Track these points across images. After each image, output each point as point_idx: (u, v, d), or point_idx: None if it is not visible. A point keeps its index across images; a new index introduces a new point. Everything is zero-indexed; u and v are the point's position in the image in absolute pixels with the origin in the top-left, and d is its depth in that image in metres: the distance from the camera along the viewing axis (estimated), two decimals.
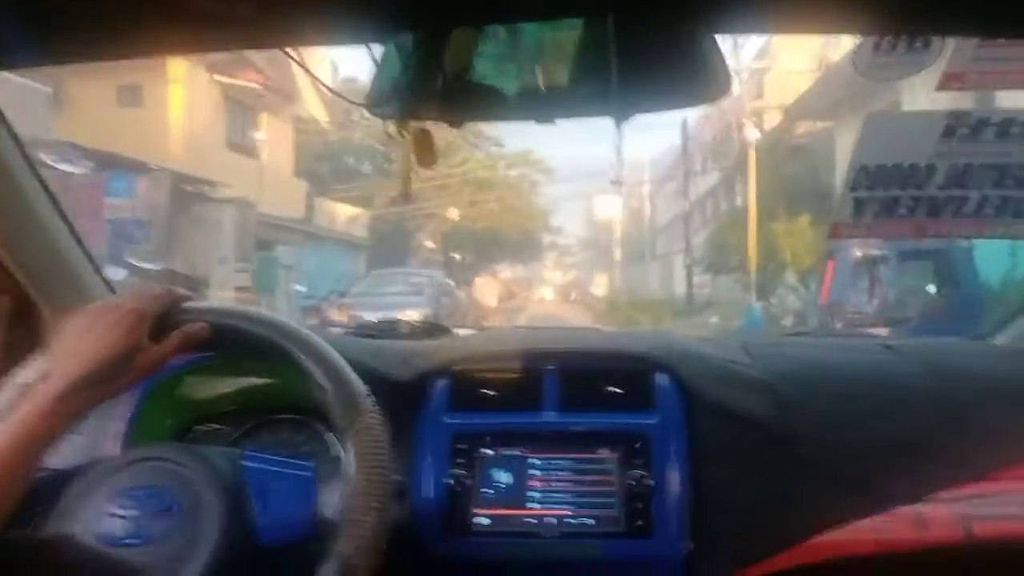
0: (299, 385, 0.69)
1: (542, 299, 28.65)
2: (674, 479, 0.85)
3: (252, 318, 0.71)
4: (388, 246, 18.37)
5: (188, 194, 10.94)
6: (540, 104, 0.71)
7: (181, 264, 9.63)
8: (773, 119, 13.81)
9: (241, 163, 12.77)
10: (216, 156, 12.00)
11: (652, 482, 0.85)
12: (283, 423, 0.95)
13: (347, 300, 10.58)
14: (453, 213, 20.43)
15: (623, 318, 15.12)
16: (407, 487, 0.84)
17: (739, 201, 15.43)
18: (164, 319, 0.69)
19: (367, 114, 0.82)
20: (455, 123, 0.80)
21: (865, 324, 6.15)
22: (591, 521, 0.85)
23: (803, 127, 12.71)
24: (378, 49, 0.72)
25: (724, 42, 0.73)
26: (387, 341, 1.08)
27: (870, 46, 0.95)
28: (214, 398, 0.95)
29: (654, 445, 0.87)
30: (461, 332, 1.20)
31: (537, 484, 0.87)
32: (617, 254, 32.56)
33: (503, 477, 0.88)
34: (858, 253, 6.61)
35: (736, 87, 14.91)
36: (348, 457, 0.64)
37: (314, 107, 14.90)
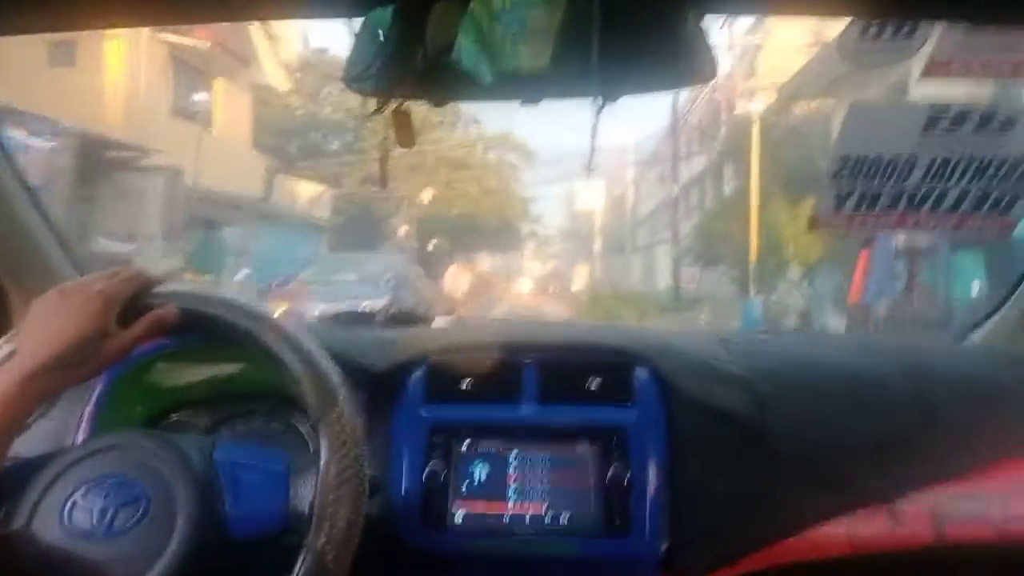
0: (273, 373, 0.69)
1: (519, 292, 28.68)
2: (652, 475, 0.86)
3: (224, 304, 0.71)
4: (358, 230, 17.94)
5: (107, 160, 9.66)
6: (524, 85, 0.72)
7: (95, 240, 8.87)
8: (767, 98, 13.02)
9: (189, 132, 11.53)
10: (158, 123, 10.85)
11: (630, 478, 0.86)
12: (257, 412, 0.95)
13: (291, 288, 9.74)
14: (426, 195, 19.78)
15: (605, 313, 14.53)
16: (383, 480, 0.84)
17: (728, 188, 14.87)
18: (133, 302, 0.68)
19: (337, 88, 0.80)
20: (436, 102, 0.80)
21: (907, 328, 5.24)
22: (568, 518, 0.86)
23: (801, 107, 12.01)
24: (356, 23, 0.72)
25: (712, 22, 0.74)
26: (363, 330, 1.08)
27: (856, 32, 0.96)
28: (186, 385, 0.94)
29: (632, 440, 0.88)
30: (439, 322, 1.20)
31: (515, 479, 0.88)
32: (597, 245, 32.70)
33: (481, 471, 0.88)
34: (900, 242, 5.55)
35: (727, 64, 14.42)
36: (322, 448, 0.64)
37: (273, 73, 14.05)
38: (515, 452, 0.89)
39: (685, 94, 15.87)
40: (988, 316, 1.14)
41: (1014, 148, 1.01)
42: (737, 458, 0.89)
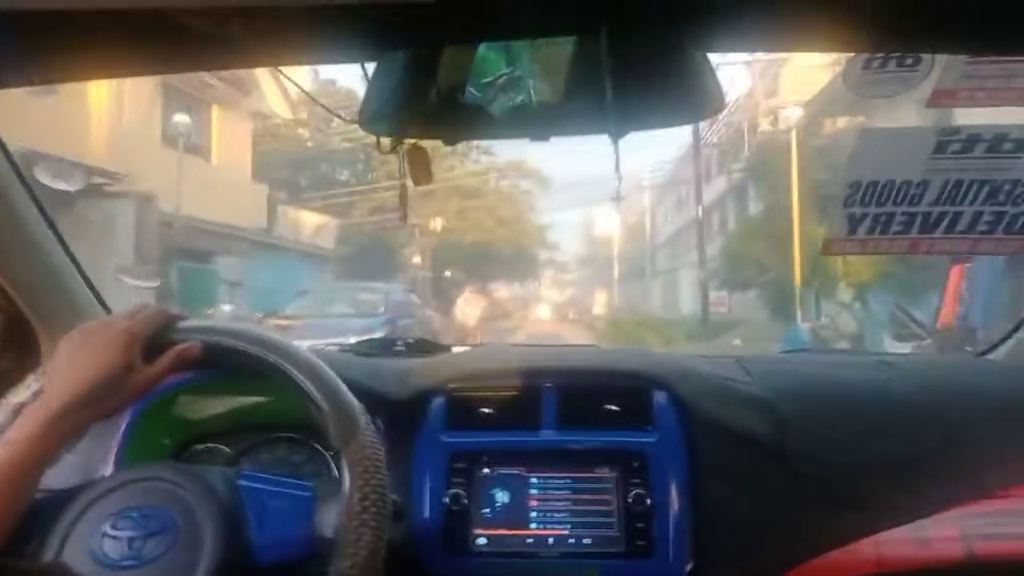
0: (295, 403, 0.73)
1: (538, 318, 28.63)
2: (674, 498, 0.89)
3: (246, 336, 0.74)
4: (370, 260, 17.98)
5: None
6: (534, 121, 0.75)
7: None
8: (789, 118, 12.58)
9: (184, 161, 11.25)
10: (147, 152, 10.40)
11: (651, 501, 0.88)
12: (280, 441, 0.99)
13: (280, 322, 8.93)
14: (436, 224, 19.76)
15: (628, 340, 14.03)
16: (406, 507, 0.87)
17: (754, 207, 14.52)
18: (157, 339, 0.72)
19: (345, 120, 0.85)
20: (449, 141, 0.85)
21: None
22: (591, 540, 0.89)
23: (830, 124, 11.61)
24: (370, 66, 0.76)
25: (716, 60, 0.78)
26: (382, 359, 1.12)
27: (860, 63, 1.01)
28: (210, 417, 0.99)
29: (653, 463, 0.91)
30: (457, 350, 1.24)
31: (536, 503, 0.91)
32: (616, 271, 32.64)
33: (502, 496, 0.91)
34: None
35: (748, 82, 14.42)
36: (344, 476, 0.67)
37: (275, 103, 13.93)
38: (536, 476, 0.92)
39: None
40: (1012, 332, 1.16)
41: None
42: (759, 479, 0.91)
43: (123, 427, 0.92)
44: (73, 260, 1.07)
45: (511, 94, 0.73)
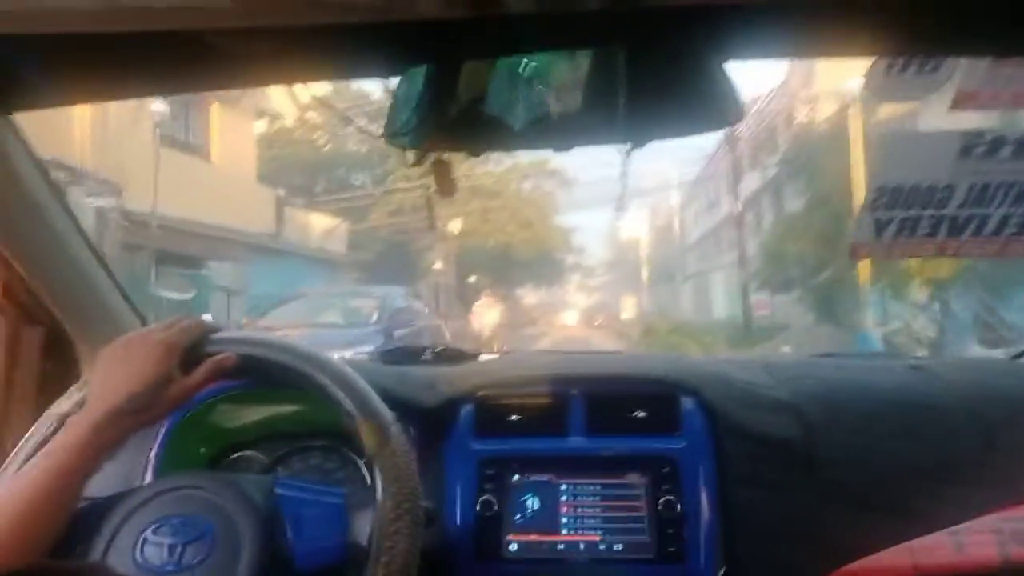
0: (327, 412, 0.76)
1: (564, 324, 28.57)
2: (704, 503, 0.92)
3: (279, 347, 0.78)
4: (390, 266, 17.93)
5: None
6: (554, 132, 0.77)
7: None
8: (828, 107, 12.23)
9: (179, 162, 10.92)
10: (135, 150, 9.85)
11: (681, 506, 0.92)
12: (313, 449, 1.04)
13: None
14: (455, 226, 19.39)
15: (663, 348, 13.18)
16: (437, 513, 0.91)
17: (794, 203, 13.46)
18: (194, 350, 0.76)
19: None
20: (472, 152, 0.88)
21: None
22: (621, 546, 0.92)
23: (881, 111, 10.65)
24: (393, 81, 0.79)
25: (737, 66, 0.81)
26: (411, 367, 1.17)
27: (882, 67, 1.04)
28: (244, 426, 1.04)
29: (682, 469, 0.94)
30: (484, 357, 1.29)
31: (566, 509, 0.95)
32: (644, 274, 32.46)
33: (532, 503, 0.95)
34: None
35: (782, 71, 14.14)
36: (377, 484, 0.71)
37: (280, 101, 13.80)
38: (566, 483, 0.96)
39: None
40: None
41: None
42: (788, 484, 0.94)
43: (160, 437, 0.97)
44: (108, 272, 1.12)
45: (531, 106, 0.75)
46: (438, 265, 20.39)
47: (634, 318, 27.68)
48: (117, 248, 9.71)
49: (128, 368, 0.73)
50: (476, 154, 0.88)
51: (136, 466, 0.95)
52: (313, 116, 17.24)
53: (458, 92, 0.77)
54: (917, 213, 1.07)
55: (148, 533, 0.70)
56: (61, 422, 0.75)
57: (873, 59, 1.05)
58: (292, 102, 14.59)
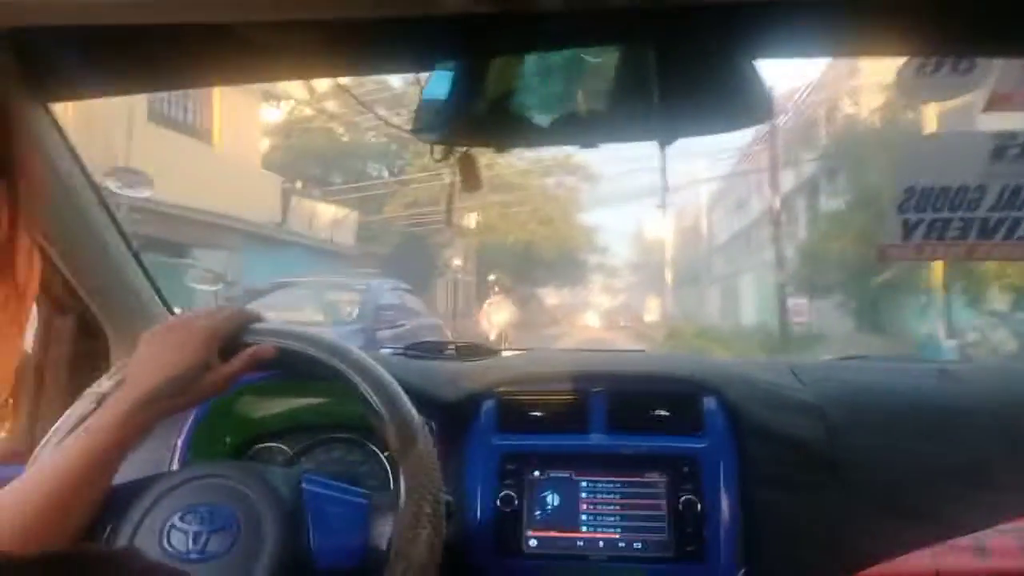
0: (352, 405, 0.79)
1: (586, 325, 28.53)
2: (724, 503, 0.95)
3: (317, 341, 0.81)
4: (406, 261, 17.58)
5: None
6: (582, 129, 0.80)
7: None
8: (875, 99, 11.73)
9: (176, 143, 10.39)
10: (132, 131, 9.07)
11: (702, 506, 0.94)
12: (337, 442, 1.07)
13: None
14: (471, 220, 19.05)
15: (690, 352, 12.33)
16: (457, 507, 0.93)
17: (834, 202, 13.00)
18: (234, 338, 0.79)
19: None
20: (499, 148, 0.92)
21: None
22: (641, 545, 0.95)
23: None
24: (423, 77, 0.82)
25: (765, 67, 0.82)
26: (435, 362, 1.21)
27: (913, 67, 1.06)
28: (270, 416, 1.08)
29: (703, 469, 0.97)
30: (507, 353, 1.33)
31: (586, 506, 0.98)
32: (668, 276, 32.31)
33: (552, 499, 0.98)
34: None
35: (823, 61, 13.83)
36: (401, 490, 0.73)
37: (291, 85, 13.50)
38: (586, 480, 0.98)
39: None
40: None
41: None
42: (810, 486, 0.96)
43: (188, 424, 1.01)
44: (140, 263, 1.17)
45: (560, 102, 0.79)
46: (456, 261, 20.13)
47: (658, 320, 27.58)
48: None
49: (170, 352, 0.76)
50: (502, 150, 0.91)
51: (163, 452, 0.98)
52: (331, 105, 17.30)
53: (486, 88, 0.80)
54: (947, 215, 1.08)
55: (175, 520, 0.72)
56: (100, 401, 0.78)
57: (904, 59, 1.07)
58: (306, 88, 14.54)
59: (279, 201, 14.22)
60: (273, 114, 16.42)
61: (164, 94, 10.57)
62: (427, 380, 1.05)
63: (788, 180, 16.86)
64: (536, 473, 1.00)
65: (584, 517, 0.97)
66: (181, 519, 0.71)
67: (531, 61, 0.79)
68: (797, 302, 13.81)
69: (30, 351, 1.11)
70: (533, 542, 0.97)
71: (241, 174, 12.39)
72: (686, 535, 0.94)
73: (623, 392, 1.06)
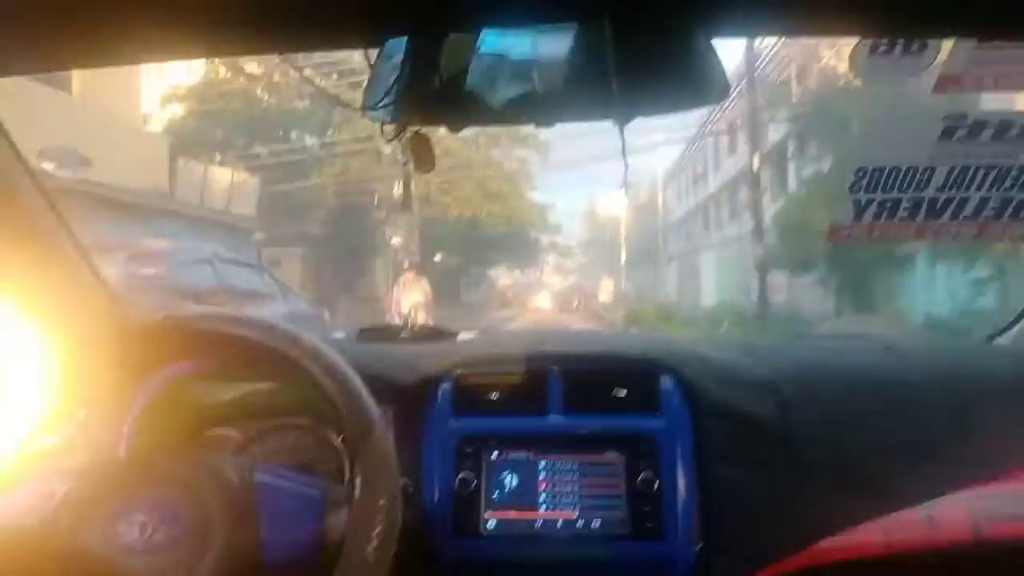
0: (305, 391, 0.82)
1: (538, 307, 28.72)
2: (681, 481, 1.02)
3: (262, 328, 0.83)
4: (341, 241, 17.20)
5: None
6: (538, 107, 0.82)
7: None
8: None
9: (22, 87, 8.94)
10: None
11: (659, 484, 1.01)
12: (289, 429, 1.09)
13: None
14: (397, 188, 17.43)
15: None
16: (415, 490, 0.99)
17: (816, 168, 11.91)
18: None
19: (352, 108, 0.94)
20: (453, 128, 0.93)
21: None
22: (599, 523, 1.02)
23: None
24: (372, 53, 0.84)
25: (721, 45, 0.85)
26: (391, 345, 1.26)
27: (866, 48, 1.14)
28: (220, 403, 1.09)
29: (660, 447, 1.03)
30: (463, 336, 1.38)
31: (545, 487, 1.04)
32: (623, 255, 32.73)
33: (511, 480, 1.04)
34: None
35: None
36: (356, 482, 0.76)
37: None
38: (544, 460, 1.05)
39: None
40: (1020, 317, 1.28)
41: None
42: (765, 462, 1.03)
43: (135, 409, 1.03)
44: (78, 246, 1.16)
45: (514, 80, 0.80)
46: (395, 240, 19.43)
47: (612, 301, 27.93)
48: None
49: None
50: (457, 129, 0.92)
51: (108, 437, 1.01)
52: (253, 67, 16.72)
53: (439, 65, 0.82)
54: (897, 195, 1.17)
55: (120, 510, 0.73)
56: None
57: (858, 40, 1.14)
58: None
59: (166, 167, 12.92)
60: (183, 76, 15.79)
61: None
62: (383, 364, 1.09)
63: (744, 150, 16.15)
64: (494, 454, 1.05)
65: (543, 497, 1.03)
66: (127, 510, 0.73)
67: (485, 37, 0.81)
68: (773, 278, 12.80)
69: None
70: (491, 523, 1.02)
71: (112, 131, 11.04)
72: (644, 513, 1.01)
73: (580, 372, 1.12)
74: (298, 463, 1.00)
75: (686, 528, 1.00)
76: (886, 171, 1.16)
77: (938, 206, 1.18)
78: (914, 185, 1.17)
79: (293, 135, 18.75)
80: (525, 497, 1.04)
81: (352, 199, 17.69)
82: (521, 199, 23.72)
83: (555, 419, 1.09)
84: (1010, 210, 1.17)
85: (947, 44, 1.14)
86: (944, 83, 1.14)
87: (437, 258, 21.18)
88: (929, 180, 1.17)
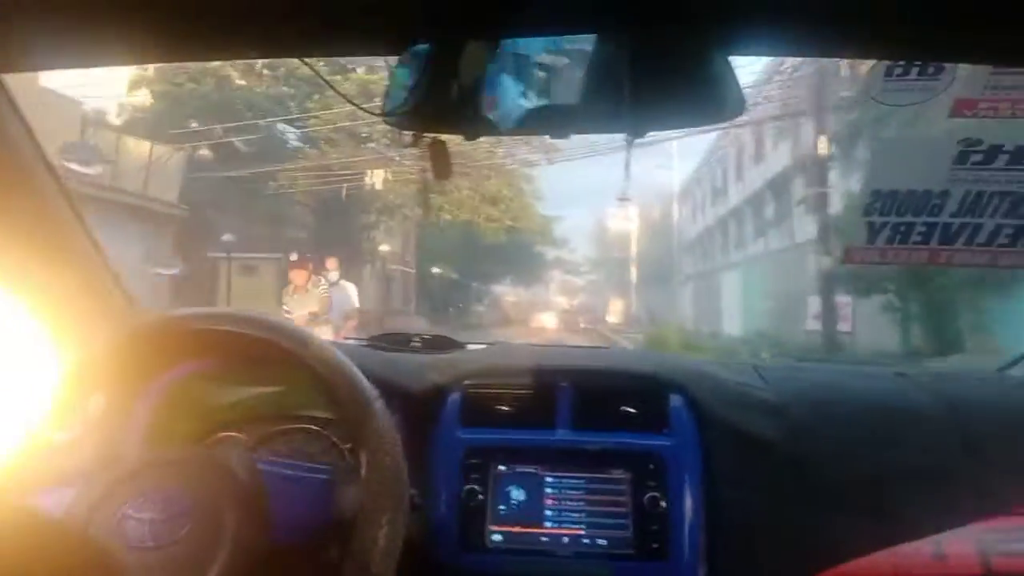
0: (312, 393, 0.90)
1: (543, 327, 28.71)
2: (688, 501, 1.08)
3: (257, 322, 0.89)
4: (324, 247, 16.47)
5: None
6: (553, 119, 0.90)
7: None
8: None
9: None
10: None
11: (665, 504, 1.07)
12: (297, 432, 1.18)
13: None
14: (377, 178, 16.54)
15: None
16: (422, 500, 1.02)
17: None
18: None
19: (373, 114, 1.02)
20: (468, 136, 0.98)
21: None
22: (605, 541, 1.08)
23: None
24: (393, 60, 0.90)
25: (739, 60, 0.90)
26: (399, 354, 1.33)
27: (882, 71, 1.23)
28: (228, 405, 1.18)
29: (667, 466, 1.09)
30: (473, 347, 1.46)
31: (551, 502, 1.10)
32: (633, 274, 32.69)
33: (517, 494, 1.11)
34: None
35: None
36: (361, 460, 0.83)
37: None
38: (551, 475, 1.11)
39: None
40: None
41: None
42: (773, 486, 1.09)
43: (145, 410, 1.08)
44: (93, 241, 1.23)
45: (532, 92, 0.89)
46: (384, 246, 18.96)
47: (623, 322, 27.88)
48: None
49: None
50: (472, 138, 0.98)
51: (119, 439, 1.05)
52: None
53: (458, 74, 0.88)
54: (911, 220, 1.26)
55: (129, 509, 0.80)
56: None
57: (873, 63, 1.23)
58: None
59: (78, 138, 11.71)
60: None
61: None
62: (391, 371, 1.17)
63: (807, 134, 14.61)
64: (501, 467, 1.12)
65: (548, 513, 1.10)
66: (136, 508, 0.80)
67: (504, 49, 0.88)
68: (842, 302, 10.74)
69: None
70: (497, 537, 1.09)
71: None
72: (649, 533, 1.07)
73: (590, 388, 1.19)
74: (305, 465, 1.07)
75: (692, 549, 1.06)
76: (901, 194, 1.25)
77: (952, 232, 1.26)
78: (928, 210, 1.25)
79: (275, 126, 17.89)
80: (531, 512, 1.10)
81: (336, 198, 16.77)
82: (523, 205, 23.25)
83: (563, 434, 1.15)
84: None
85: (963, 69, 1.23)
86: (959, 108, 1.23)
87: (435, 270, 20.95)
88: (943, 205, 1.25)
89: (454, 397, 1.19)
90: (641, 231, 33.61)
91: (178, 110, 16.08)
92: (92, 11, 0.85)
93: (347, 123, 15.33)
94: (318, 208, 17.45)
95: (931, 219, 1.26)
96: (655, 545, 1.07)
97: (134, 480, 0.84)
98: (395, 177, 16.79)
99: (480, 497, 1.11)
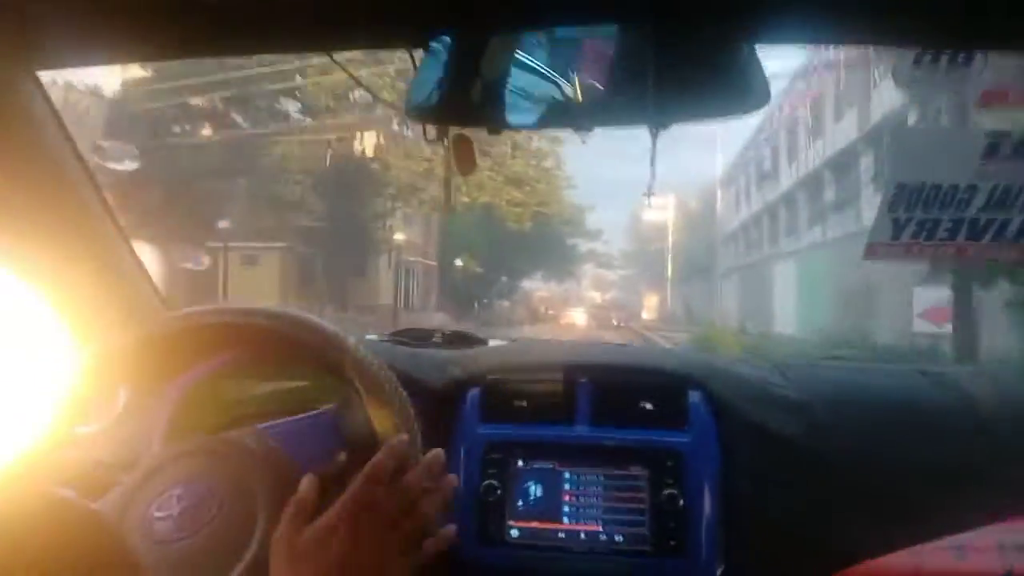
0: (333, 390, 0.97)
1: (572, 324, 28.72)
2: (706, 499, 1.14)
3: (299, 322, 0.97)
4: (337, 238, 16.05)
5: None
6: (577, 112, 0.94)
7: None
8: None
9: None
10: None
11: (684, 501, 1.13)
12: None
13: None
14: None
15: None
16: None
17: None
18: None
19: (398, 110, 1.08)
20: (492, 130, 1.04)
21: None
22: (622, 538, 1.14)
23: None
24: (417, 53, 0.96)
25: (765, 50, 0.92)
26: (420, 349, 1.41)
27: (909, 60, 1.27)
28: (249, 399, 1.24)
29: (686, 463, 1.16)
30: (494, 343, 1.54)
31: (569, 498, 1.17)
32: (669, 267, 32.51)
33: (535, 489, 1.18)
34: None
35: None
36: (362, 396, 0.93)
37: None
38: (569, 471, 1.18)
39: None
40: None
41: None
42: (793, 483, 1.15)
43: (169, 405, 1.15)
44: (125, 238, 1.32)
45: (555, 84, 0.93)
46: (399, 236, 18.55)
47: (656, 319, 27.77)
48: None
49: None
50: (496, 132, 1.04)
51: (143, 433, 1.13)
52: None
53: (481, 67, 0.94)
54: (937, 215, 1.30)
55: (153, 509, 0.88)
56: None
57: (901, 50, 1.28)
58: None
59: None
60: None
61: None
62: (413, 365, 1.25)
63: (849, 121, 15.07)
64: (520, 463, 1.19)
65: (567, 509, 1.17)
66: (159, 508, 0.89)
67: (528, 40, 0.93)
68: (932, 297, 9.64)
69: None
70: (515, 532, 1.16)
71: None
72: (667, 530, 1.13)
73: (609, 384, 1.26)
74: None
75: (710, 547, 1.12)
76: (927, 188, 1.30)
77: (980, 227, 1.30)
78: (955, 204, 1.29)
79: (283, 105, 17.76)
80: (549, 507, 1.17)
81: (347, 178, 16.51)
82: (552, 189, 22.93)
83: (582, 430, 1.22)
84: None
85: (993, 58, 1.27)
86: (988, 98, 1.27)
87: (458, 262, 20.82)
88: (970, 200, 1.29)
89: (474, 392, 1.27)
90: (678, 221, 33.44)
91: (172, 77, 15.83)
92: (126, 9, 0.92)
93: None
94: (319, 186, 16.74)
95: (958, 214, 1.31)
96: (672, 542, 1.13)
97: (163, 471, 0.94)
98: (407, 156, 16.27)
99: (499, 492, 1.18)
